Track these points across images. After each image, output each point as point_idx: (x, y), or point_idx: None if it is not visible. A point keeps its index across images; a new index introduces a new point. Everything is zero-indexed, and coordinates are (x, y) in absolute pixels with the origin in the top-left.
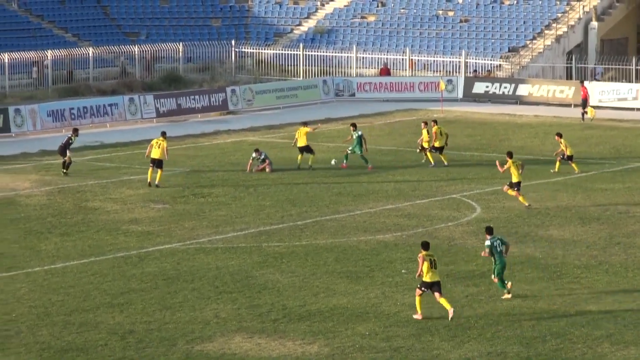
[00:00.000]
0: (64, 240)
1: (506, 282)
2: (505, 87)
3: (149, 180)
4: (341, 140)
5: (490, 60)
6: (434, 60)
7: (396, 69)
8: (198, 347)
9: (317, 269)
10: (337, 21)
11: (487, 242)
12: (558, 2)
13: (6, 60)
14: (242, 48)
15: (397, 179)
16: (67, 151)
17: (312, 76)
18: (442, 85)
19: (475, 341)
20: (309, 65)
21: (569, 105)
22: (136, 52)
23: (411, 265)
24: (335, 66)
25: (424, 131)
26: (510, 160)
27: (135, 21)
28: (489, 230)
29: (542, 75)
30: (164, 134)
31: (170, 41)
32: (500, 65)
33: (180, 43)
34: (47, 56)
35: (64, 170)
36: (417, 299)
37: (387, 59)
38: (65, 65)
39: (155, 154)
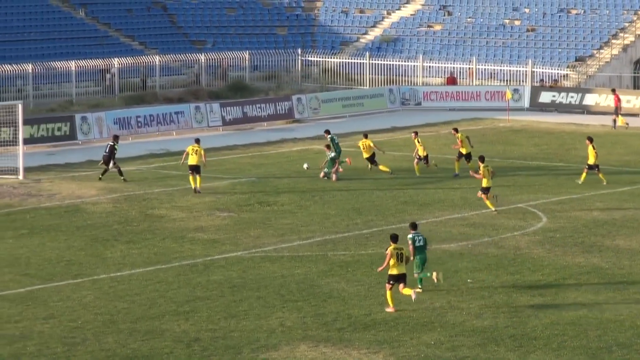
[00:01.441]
0: (129, 247)
1: (430, 274)
2: (572, 97)
3: (192, 186)
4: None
5: (557, 69)
6: (500, 69)
7: (462, 78)
8: (263, 356)
9: (382, 278)
10: (403, 30)
11: (410, 236)
12: (625, 12)
13: (73, 68)
14: (308, 56)
15: (464, 187)
16: (112, 160)
17: (378, 85)
18: (509, 95)
19: (541, 351)
20: (375, 74)
21: (636, 115)
22: (202, 61)
23: (477, 274)
24: (401, 75)
25: (415, 141)
26: (482, 165)
27: (202, 29)
28: (413, 226)
29: (609, 84)
30: (197, 140)
31: (237, 49)
32: (567, 74)
33: (247, 51)
34: (114, 64)
35: (100, 177)
36: (388, 293)
37: (453, 67)
38: (131, 73)
39: (193, 160)
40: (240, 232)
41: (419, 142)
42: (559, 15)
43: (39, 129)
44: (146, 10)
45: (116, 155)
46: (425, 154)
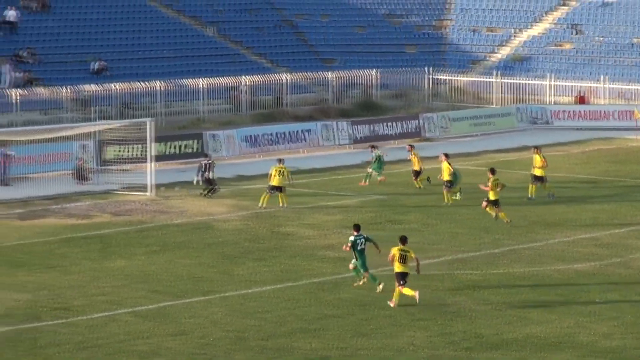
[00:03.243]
0: (259, 265)
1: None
2: None
3: (263, 205)
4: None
5: None
6: (629, 89)
7: (592, 97)
8: None
9: (511, 298)
10: (532, 49)
11: (351, 238)
12: None
13: (204, 86)
14: (437, 75)
15: (594, 207)
16: (209, 176)
17: (507, 104)
18: (637, 114)
19: None
20: (504, 93)
21: None
22: (331, 79)
23: (606, 295)
24: (531, 94)
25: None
26: (492, 177)
27: (331, 47)
28: (356, 228)
29: None
30: (281, 160)
31: (366, 67)
32: None
33: (376, 69)
34: (244, 82)
35: (208, 194)
36: (397, 290)
37: (582, 86)
38: (261, 91)
39: (276, 181)
40: (369, 250)
41: (414, 155)
42: None
43: (169, 146)
44: (276, 29)
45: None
46: (419, 168)
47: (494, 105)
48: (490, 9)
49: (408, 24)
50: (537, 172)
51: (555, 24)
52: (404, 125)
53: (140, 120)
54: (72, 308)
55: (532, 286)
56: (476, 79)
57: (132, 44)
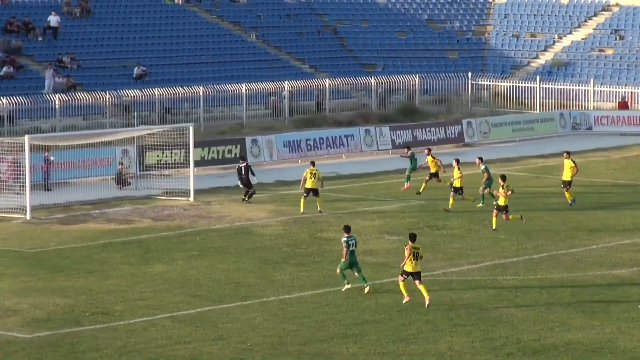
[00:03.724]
0: (298, 270)
1: (347, 280)
2: None
3: (301, 210)
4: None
5: None
6: None
7: (634, 102)
8: None
9: (552, 303)
10: (574, 54)
11: (344, 239)
12: None
13: (244, 91)
14: (478, 80)
15: (635, 213)
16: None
17: (548, 109)
18: None
19: None
20: (545, 98)
21: None
22: (373, 84)
23: None
24: (572, 99)
25: (455, 169)
26: (503, 184)
27: (372, 53)
28: (347, 229)
29: None
30: (313, 163)
31: (407, 73)
32: None
33: (417, 75)
34: (284, 87)
35: (246, 199)
36: (401, 284)
37: (624, 92)
38: (302, 96)
39: (309, 183)
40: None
41: (433, 158)
42: None
43: (210, 151)
44: (317, 34)
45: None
46: (435, 170)
47: (536, 111)
48: (532, 14)
49: (449, 29)
50: (566, 177)
51: (597, 29)
52: (445, 131)
53: (181, 125)
54: (111, 313)
55: (572, 292)
56: (518, 85)
57: (173, 49)
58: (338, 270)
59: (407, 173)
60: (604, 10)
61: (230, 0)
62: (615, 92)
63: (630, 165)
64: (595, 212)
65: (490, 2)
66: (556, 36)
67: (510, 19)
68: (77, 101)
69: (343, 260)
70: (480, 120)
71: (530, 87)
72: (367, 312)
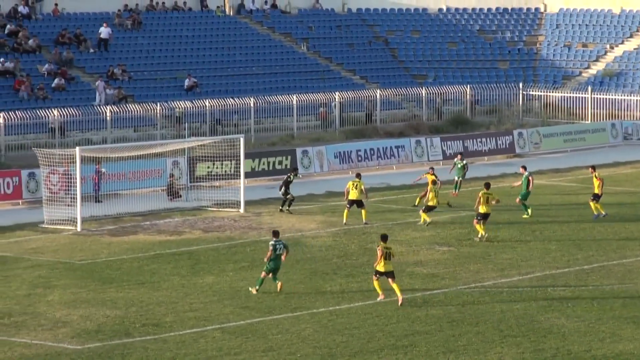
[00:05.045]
0: (348, 281)
1: (277, 281)
2: None
3: (344, 221)
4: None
5: None
6: None
7: None
8: None
9: (603, 314)
10: (626, 64)
11: (272, 242)
12: None
13: (294, 102)
14: (529, 91)
15: None
16: (288, 189)
17: (600, 119)
18: None
19: None
20: (597, 109)
21: None
22: (424, 95)
23: None
24: (624, 109)
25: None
26: (484, 191)
27: (423, 63)
28: (275, 234)
29: None
30: (359, 175)
31: (458, 83)
32: None
33: (468, 85)
34: (335, 98)
35: (287, 209)
36: (375, 283)
37: None
38: (352, 107)
39: (353, 195)
40: (460, 266)
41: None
42: None
43: (260, 162)
44: (367, 45)
45: (290, 187)
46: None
47: (587, 121)
48: (583, 24)
49: (500, 40)
50: (597, 191)
51: None
52: (496, 141)
53: (231, 136)
54: (161, 324)
55: (624, 303)
56: (569, 95)
57: (223, 61)
58: (263, 274)
59: (456, 180)
60: None
61: (281, 11)
62: None
63: None
64: None
65: (542, 13)
66: (608, 46)
67: (561, 29)
68: (128, 113)
69: (265, 259)
70: (531, 130)
71: (582, 97)
72: (417, 323)
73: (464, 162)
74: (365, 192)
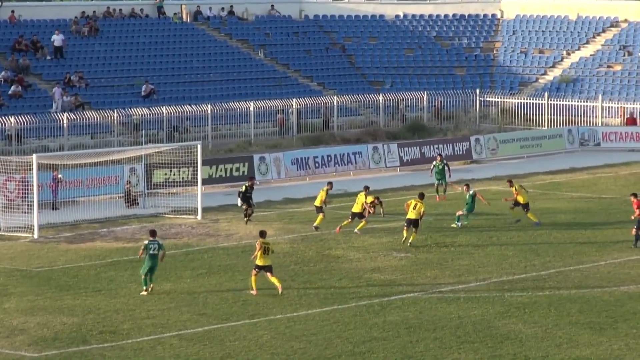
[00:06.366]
0: (306, 287)
1: (150, 282)
2: None
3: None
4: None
5: None
6: None
7: None
8: None
9: (560, 320)
10: (582, 70)
11: (145, 242)
12: None
13: (252, 109)
14: (486, 97)
15: None
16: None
17: (556, 125)
18: None
19: None
20: (553, 115)
21: None
22: (381, 101)
23: None
24: (580, 115)
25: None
26: (414, 201)
27: (380, 70)
28: (152, 233)
29: None
30: (367, 188)
31: (415, 90)
32: None
33: (425, 92)
34: (292, 105)
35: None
36: (253, 278)
37: (633, 108)
38: (309, 114)
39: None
40: (417, 272)
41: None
42: None
43: (218, 169)
44: (324, 51)
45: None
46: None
47: (544, 127)
48: (540, 31)
49: (457, 46)
50: (521, 200)
51: (605, 45)
52: (454, 148)
53: (188, 143)
54: (119, 331)
55: (580, 308)
56: (526, 101)
57: (180, 67)
58: (143, 276)
59: (436, 184)
60: (612, 26)
61: (238, 18)
62: (624, 108)
63: (638, 181)
64: (603, 228)
65: (499, 19)
66: (564, 52)
67: (518, 36)
68: (85, 120)
69: (139, 257)
70: (488, 136)
71: (539, 103)
72: (375, 329)
73: (445, 162)
74: (325, 200)
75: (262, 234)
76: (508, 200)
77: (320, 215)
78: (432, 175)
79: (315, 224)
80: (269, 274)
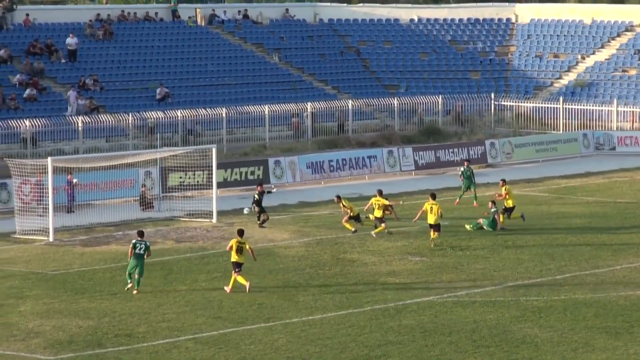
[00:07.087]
0: (322, 291)
1: (133, 283)
2: None
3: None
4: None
5: None
6: None
7: None
8: None
9: (576, 324)
10: (597, 74)
11: (133, 241)
12: None
13: (266, 112)
14: (501, 101)
15: None
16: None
17: (571, 129)
18: None
19: None
20: (568, 119)
21: None
22: (395, 105)
23: None
24: (596, 119)
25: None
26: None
27: (395, 74)
28: (140, 234)
29: None
30: (380, 192)
31: (430, 94)
32: None
33: (440, 96)
34: (307, 108)
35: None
36: (234, 278)
37: None
38: (324, 118)
39: (378, 213)
40: (433, 276)
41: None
42: None
43: (233, 172)
44: (339, 55)
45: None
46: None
47: (559, 132)
48: (555, 35)
49: (472, 50)
50: (508, 204)
51: (620, 49)
52: (468, 152)
53: (203, 147)
54: (134, 335)
55: (596, 313)
56: (541, 105)
57: (195, 71)
58: (136, 276)
59: (463, 190)
60: (627, 30)
61: (253, 22)
62: (639, 112)
63: None
64: (618, 232)
65: (513, 23)
66: (579, 57)
67: (533, 40)
68: (100, 123)
69: (129, 259)
70: (503, 140)
71: (553, 107)
72: (390, 333)
73: (471, 168)
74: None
75: (240, 232)
76: (498, 199)
77: (382, 225)
78: (461, 179)
79: (374, 232)
80: (237, 270)
